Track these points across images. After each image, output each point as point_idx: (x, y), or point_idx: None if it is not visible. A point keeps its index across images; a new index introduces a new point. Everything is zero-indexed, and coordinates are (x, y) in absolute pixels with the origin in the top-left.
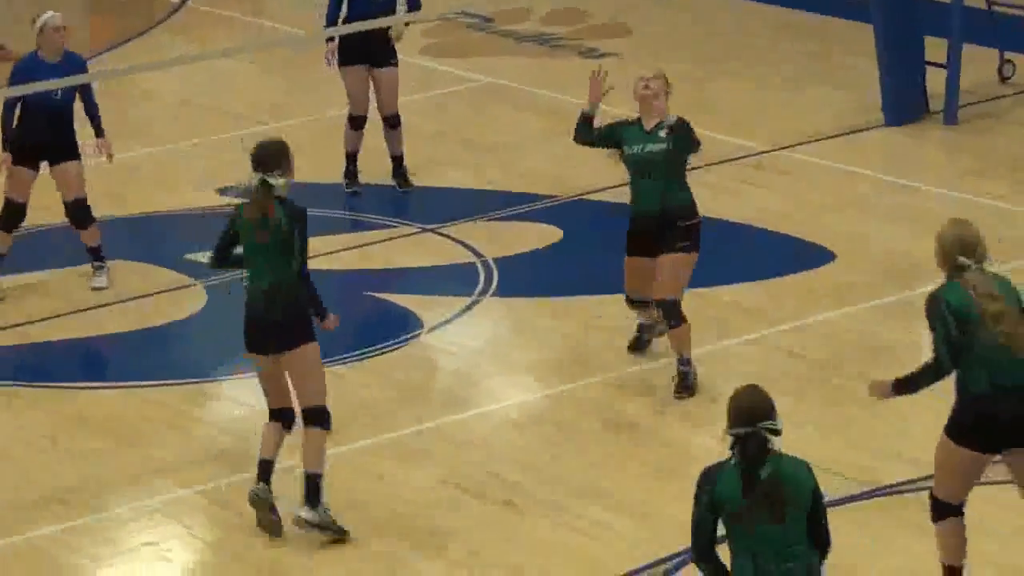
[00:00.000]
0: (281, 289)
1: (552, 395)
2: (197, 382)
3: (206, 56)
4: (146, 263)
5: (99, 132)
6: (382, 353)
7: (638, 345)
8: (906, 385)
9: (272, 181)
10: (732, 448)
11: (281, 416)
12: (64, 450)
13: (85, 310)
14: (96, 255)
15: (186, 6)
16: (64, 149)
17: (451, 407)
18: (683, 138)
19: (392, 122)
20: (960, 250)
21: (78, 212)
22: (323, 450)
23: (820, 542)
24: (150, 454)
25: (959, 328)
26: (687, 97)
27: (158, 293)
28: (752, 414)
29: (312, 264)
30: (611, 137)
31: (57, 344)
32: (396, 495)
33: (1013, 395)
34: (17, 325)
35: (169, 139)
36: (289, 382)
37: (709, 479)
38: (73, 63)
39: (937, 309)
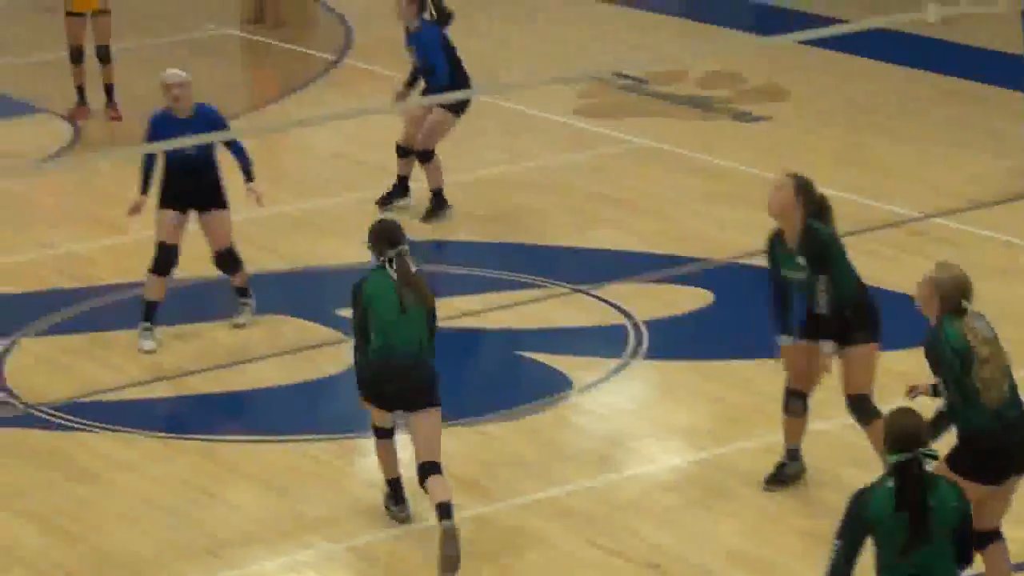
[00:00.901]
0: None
1: (703, 459)
2: (348, 437)
3: (359, 112)
4: (298, 317)
5: (249, 177)
6: (533, 413)
7: (779, 477)
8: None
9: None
10: (890, 473)
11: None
12: (216, 502)
13: (241, 363)
14: (243, 294)
15: (342, 63)
16: (209, 198)
17: (601, 468)
18: (817, 260)
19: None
20: (961, 293)
21: (226, 260)
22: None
23: (964, 561)
24: (301, 508)
25: (962, 368)
26: (842, 161)
27: (309, 348)
28: (911, 439)
29: (465, 322)
30: (774, 262)
31: (211, 396)
32: (544, 555)
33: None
34: (172, 376)
35: (323, 193)
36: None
37: (863, 502)
38: (205, 117)
39: (943, 353)
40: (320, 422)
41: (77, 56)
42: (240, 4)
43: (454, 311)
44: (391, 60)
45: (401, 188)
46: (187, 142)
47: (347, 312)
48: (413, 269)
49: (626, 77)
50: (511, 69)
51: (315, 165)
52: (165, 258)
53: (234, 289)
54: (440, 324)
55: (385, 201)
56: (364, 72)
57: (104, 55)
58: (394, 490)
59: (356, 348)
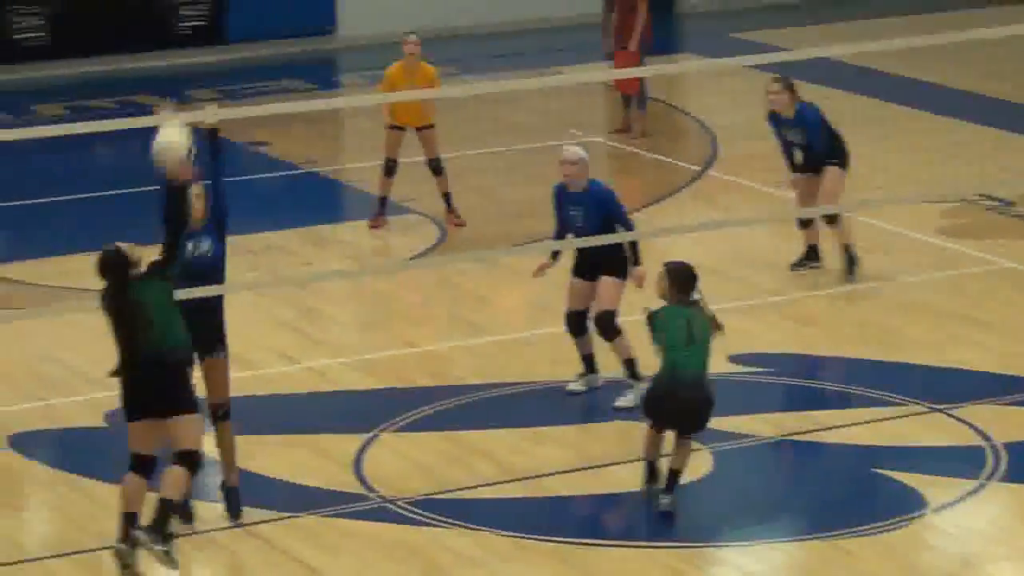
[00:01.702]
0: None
1: None
2: (700, 546)
3: (719, 224)
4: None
5: (636, 261)
6: (888, 530)
7: None
8: None
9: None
10: None
11: None
12: None
13: (596, 467)
14: (630, 369)
15: (707, 174)
16: (607, 267)
17: None
18: None
19: None
20: None
21: (605, 324)
22: None
23: None
24: None
25: None
26: None
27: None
28: None
29: (822, 436)
30: None
31: (567, 499)
32: None
33: None
34: (531, 477)
35: None
36: None
37: None
38: (596, 195)
39: None
40: (675, 529)
41: (390, 169)
42: (607, 114)
43: (813, 424)
44: (755, 173)
45: (812, 253)
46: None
47: (711, 423)
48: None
49: (993, 199)
50: (872, 186)
51: None
52: (569, 324)
53: (623, 362)
54: (797, 436)
55: (797, 265)
56: (728, 184)
57: (436, 167)
58: None
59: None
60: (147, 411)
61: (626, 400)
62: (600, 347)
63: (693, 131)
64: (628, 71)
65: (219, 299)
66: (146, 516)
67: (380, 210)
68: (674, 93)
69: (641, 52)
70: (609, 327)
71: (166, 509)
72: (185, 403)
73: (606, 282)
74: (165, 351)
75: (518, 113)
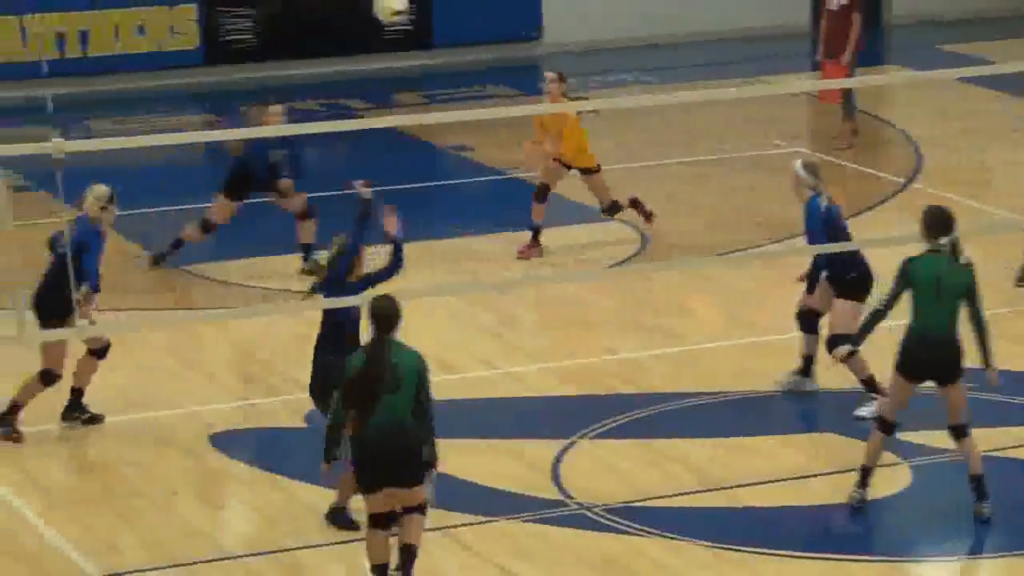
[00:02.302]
0: None
1: None
2: (897, 560)
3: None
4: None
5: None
6: None
7: None
8: None
9: None
10: None
11: None
12: None
13: (793, 478)
14: (870, 386)
15: (910, 187)
16: (839, 289)
17: None
18: None
19: None
20: None
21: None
22: None
23: None
24: None
25: None
26: None
27: (847, 471)
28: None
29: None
30: None
31: (763, 510)
32: None
33: None
34: (728, 487)
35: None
36: None
37: None
38: (808, 210)
39: None
40: (872, 543)
41: (542, 194)
42: (812, 124)
43: (1014, 440)
44: (959, 186)
45: None
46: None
47: (909, 436)
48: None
49: None
50: None
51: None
52: (799, 318)
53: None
54: (998, 452)
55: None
56: (932, 197)
57: (611, 210)
58: None
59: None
60: (388, 482)
61: (867, 410)
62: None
63: (898, 143)
64: (831, 82)
65: None
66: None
67: (533, 239)
68: (880, 105)
69: (851, 63)
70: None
71: (409, 555)
72: (419, 476)
73: (839, 305)
74: (407, 421)
75: (720, 121)
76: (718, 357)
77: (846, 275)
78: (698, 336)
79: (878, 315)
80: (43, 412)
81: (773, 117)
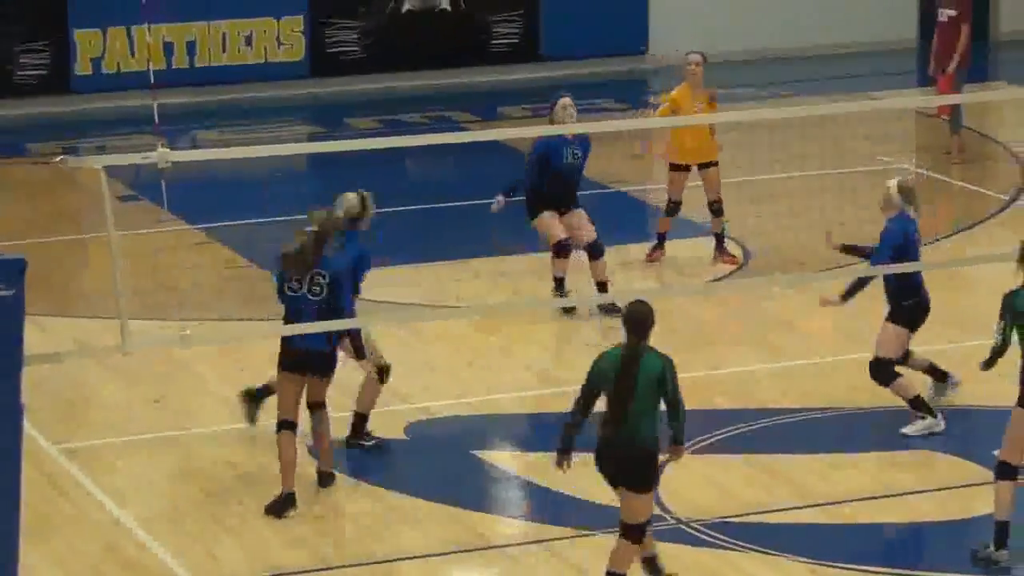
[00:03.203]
0: None
1: None
2: None
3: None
4: (949, 453)
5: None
6: None
7: None
8: None
9: None
10: None
11: None
12: None
13: (895, 495)
14: (916, 405)
15: (1016, 203)
16: (890, 311)
17: None
18: None
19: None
20: None
21: (877, 371)
22: None
23: None
24: None
25: None
26: None
27: (961, 487)
28: None
29: None
30: None
31: (865, 527)
32: None
33: None
34: (829, 503)
35: (986, 333)
36: None
37: None
38: (885, 229)
39: None
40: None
41: (673, 209)
42: (917, 140)
43: None
44: None
45: None
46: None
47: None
48: None
49: None
50: None
51: (978, 303)
52: None
53: (909, 403)
54: None
55: None
56: None
57: (716, 208)
58: None
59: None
60: (614, 484)
61: (914, 428)
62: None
63: (1004, 159)
64: (940, 98)
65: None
66: None
67: (659, 244)
68: (986, 121)
69: (958, 76)
70: (881, 374)
71: None
72: (644, 482)
73: (885, 328)
74: (636, 438)
75: (827, 137)
76: (825, 373)
77: (903, 301)
78: (805, 351)
79: (998, 352)
80: (145, 420)
81: (879, 133)
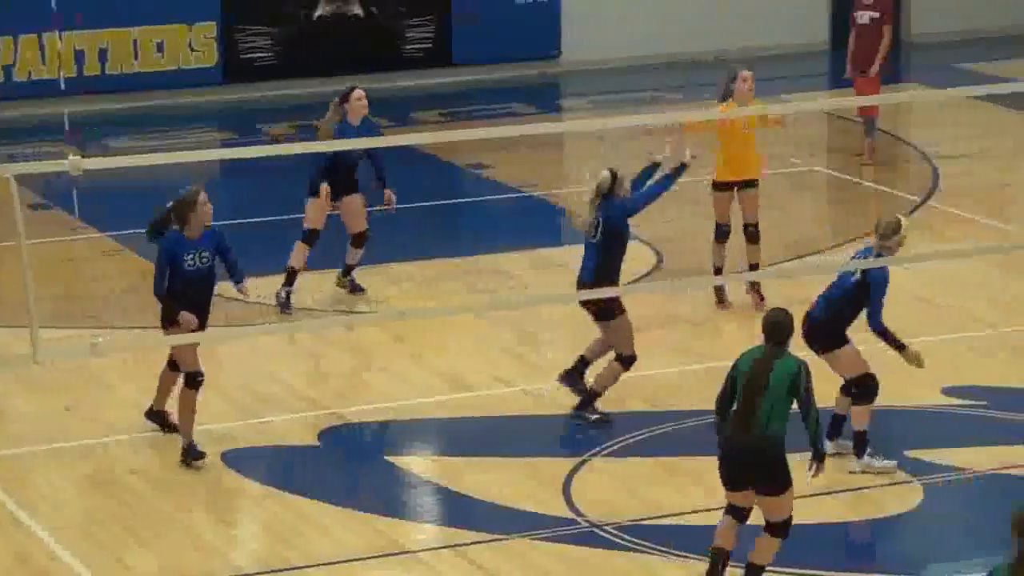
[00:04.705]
0: None
1: None
2: None
3: (935, 255)
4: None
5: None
6: None
7: None
8: None
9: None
10: None
11: None
12: None
13: (804, 497)
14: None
15: (927, 205)
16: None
17: None
18: None
19: None
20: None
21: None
22: None
23: None
24: None
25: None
26: None
27: (878, 486)
28: None
29: None
30: None
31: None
32: None
33: None
34: None
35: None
36: None
37: None
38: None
39: None
40: (885, 560)
41: (723, 234)
42: (828, 142)
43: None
44: (975, 204)
45: None
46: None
47: (920, 454)
48: None
49: None
50: None
51: (896, 308)
52: None
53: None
54: (1010, 470)
55: None
56: (949, 215)
57: (752, 234)
58: None
59: None
60: (746, 484)
61: (877, 464)
62: None
63: (916, 161)
64: (861, 99)
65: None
66: None
67: (718, 298)
68: (899, 123)
69: (880, 77)
70: (873, 390)
71: (751, 573)
72: (780, 482)
73: (844, 352)
74: (765, 438)
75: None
76: None
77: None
78: (718, 354)
79: None
80: (56, 429)
81: (790, 135)
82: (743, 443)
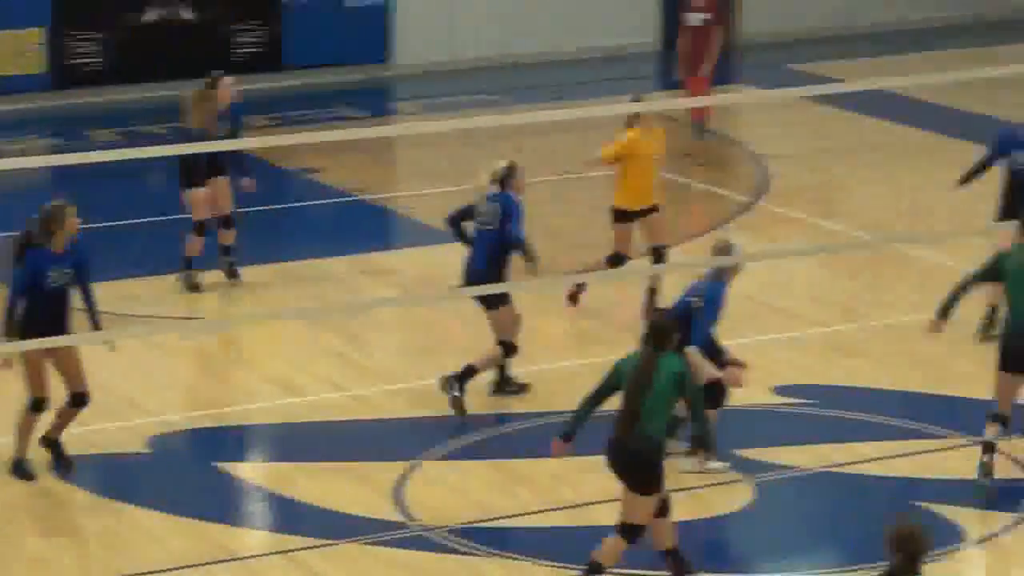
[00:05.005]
0: None
1: None
2: None
3: (771, 255)
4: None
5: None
6: (926, 563)
7: None
8: None
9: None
10: None
11: None
12: None
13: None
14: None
15: (756, 205)
16: None
17: None
18: None
19: None
20: None
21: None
22: None
23: None
24: None
25: None
26: None
27: (712, 485)
28: None
29: (861, 468)
30: None
31: (608, 529)
32: None
33: None
34: (574, 506)
35: (734, 334)
36: None
37: None
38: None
39: None
40: (715, 559)
41: (618, 263)
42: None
43: (854, 456)
44: (805, 204)
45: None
46: None
47: (750, 453)
48: None
49: None
50: (931, 220)
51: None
52: None
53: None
54: (839, 468)
55: None
56: (778, 216)
57: (659, 256)
58: None
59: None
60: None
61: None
62: None
63: (745, 162)
64: (691, 100)
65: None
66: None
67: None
68: (728, 123)
69: (710, 80)
70: (721, 397)
71: (593, 571)
72: (646, 485)
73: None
74: (646, 438)
75: (566, 143)
76: (568, 377)
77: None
78: (548, 356)
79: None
80: None
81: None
82: (622, 441)
